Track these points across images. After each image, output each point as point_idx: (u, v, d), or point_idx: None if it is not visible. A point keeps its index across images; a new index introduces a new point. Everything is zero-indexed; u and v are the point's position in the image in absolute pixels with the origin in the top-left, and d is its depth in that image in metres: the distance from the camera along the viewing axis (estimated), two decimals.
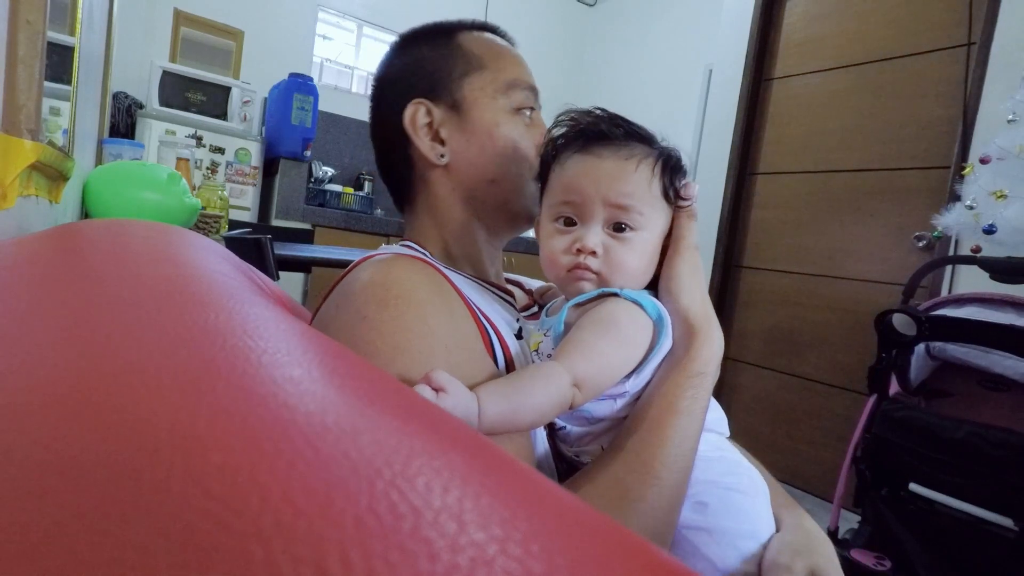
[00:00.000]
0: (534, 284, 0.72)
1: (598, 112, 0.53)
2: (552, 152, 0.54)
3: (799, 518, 0.51)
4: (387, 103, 0.62)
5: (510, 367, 0.51)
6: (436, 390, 0.38)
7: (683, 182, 0.52)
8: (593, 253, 0.49)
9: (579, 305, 0.50)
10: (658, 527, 0.43)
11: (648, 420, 0.46)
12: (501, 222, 0.62)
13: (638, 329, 0.48)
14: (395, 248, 0.59)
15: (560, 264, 0.51)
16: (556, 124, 0.54)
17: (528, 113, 0.61)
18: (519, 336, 0.55)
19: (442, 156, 0.59)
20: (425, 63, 0.60)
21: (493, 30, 0.65)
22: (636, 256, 0.49)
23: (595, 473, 0.45)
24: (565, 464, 0.53)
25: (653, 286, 0.53)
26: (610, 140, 0.51)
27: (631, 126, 0.52)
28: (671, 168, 0.51)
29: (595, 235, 0.49)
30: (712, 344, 0.49)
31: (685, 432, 0.46)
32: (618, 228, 0.49)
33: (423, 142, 0.59)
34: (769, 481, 0.56)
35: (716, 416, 0.54)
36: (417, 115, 0.59)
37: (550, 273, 0.53)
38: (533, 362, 0.52)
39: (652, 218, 0.50)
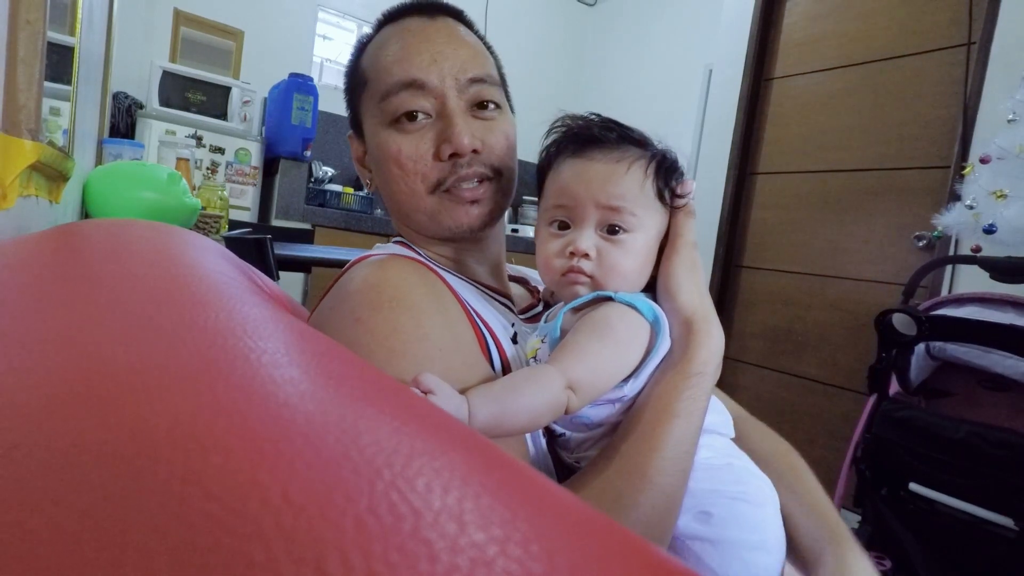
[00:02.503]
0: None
1: (591, 117, 0.53)
2: (547, 158, 0.53)
3: (841, 558, 0.48)
4: None
5: (506, 370, 0.51)
6: (424, 393, 0.38)
7: (680, 180, 0.52)
8: (586, 256, 0.48)
9: (575, 310, 0.50)
10: (653, 533, 0.42)
11: (643, 423, 0.45)
12: (436, 236, 0.58)
13: (633, 332, 0.47)
14: (390, 248, 0.58)
15: (554, 268, 0.50)
16: (551, 130, 0.53)
17: (420, 117, 0.53)
18: (515, 340, 0.55)
19: (368, 184, 0.61)
20: (346, 93, 0.62)
21: (397, 15, 0.58)
22: (630, 258, 0.49)
23: (589, 478, 0.44)
24: (566, 472, 0.52)
25: (652, 288, 0.53)
26: (602, 144, 0.50)
27: (624, 130, 0.52)
28: (665, 169, 0.51)
29: (588, 238, 0.49)
30: (711, 343, 0.48)
31: (682, 435, 0.45)
32: (611, 230, 0.49)
33: (361, 173, 0.62)
34: (815, 503, 0.53)
35: (721, 419, 0.53)
36: (353, 149, 0.62)
37: (545, 277, 0.53)
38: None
39: (646, 220, 0.49)
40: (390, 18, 0.58)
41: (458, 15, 0.60)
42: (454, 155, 0.53)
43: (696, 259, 0.51)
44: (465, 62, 0.55)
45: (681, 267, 0.50)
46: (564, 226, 0.51)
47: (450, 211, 0.55)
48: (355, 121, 0.61)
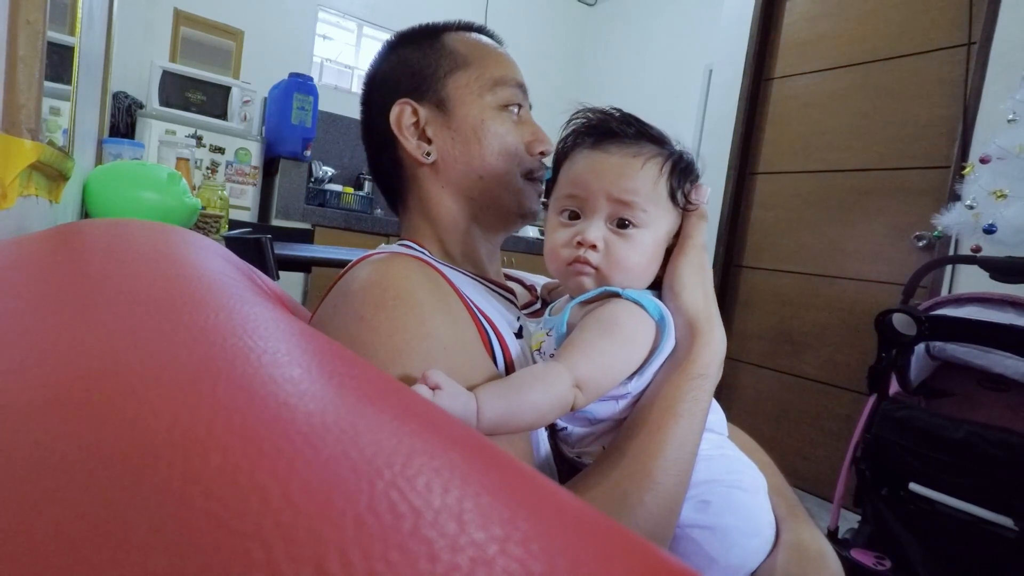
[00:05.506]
0: (536, 279, 0.71)
1: (612, 111, 0.53)
2: (563, 148, 0.54)
3: (797, 533, 0.51)
4: (375, 105, 0.63)
5: (510, 368, 0.51)
6: (432, 388, 0.38)
7: (694, 185, 0.52)
8: (593, 247, 0.49)
9: (582, 305, 0.50)
10: (656, 531, 0.43)
11: (648, 424, 0.45)
12: (493, 218, 0.62)
13: (640, 330, 0.48)
14: (393, 247, 0.59)
15: (561, 257, 0.51)
16: (570, 121, 0.54)
17: (516, 110, 0.61)
18: (519, 335, 0.55)
19: (428, 155, 0.60)
20: (410, 63, 0.61)
21: (480, 30, 0.65)
22: (637, 253, 0.49)
23: (594, 478, 0.45)
24: (567, 465, 0.52)
25: (658, 288, 0.53)
26: (620, 138, 0.51)
27: (643, 126, 0.52)
28: (681, 170, 0.51)
29: (597, 229, 0.49)
30: (713, 345, 0.49)
31: (685, 436, 0.45)
32: (621, 224, 0.49)
33: (409, 142, 0.60)
34: (777, 484, 0.56)
35: (716, 417, 0.53)
36: (403, 115, 0.60)
37: (551, 266, 0.53)
38: (534, 362, 0.52)
39: (656, 217, 0.50)
40: (471, 28, 0.65)
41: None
42: (543, 154, 0.62)
43: (704, 261, 0.52)
44: None
45: (688, 267, 0.51)
46: (574, 216, 0.51)
47: (531, 197, 0.62)
48: (425, 91, 0.60)
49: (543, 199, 0.61)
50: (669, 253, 0.52)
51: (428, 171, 0.61)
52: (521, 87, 0.62)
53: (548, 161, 0.61)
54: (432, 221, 0.61)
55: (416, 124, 0.60)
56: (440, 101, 0.60)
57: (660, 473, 0.43)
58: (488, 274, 0.62)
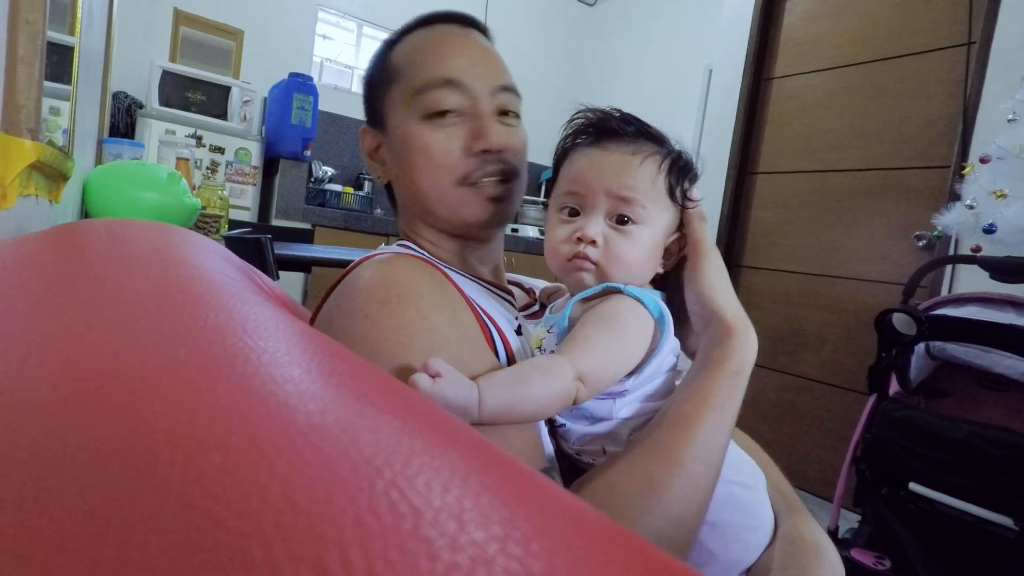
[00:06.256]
0: (536, 283, 0.72)
1: (611, 111, 0.54)
2: (563, 147, 0.55)
3: (795, 526, 0.51)
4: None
5: (511, 361, 0.51)
6: (433, 376, 0.39)
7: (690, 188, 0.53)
8: (593, 243, 0.49)
9: (583, 301, 0.51)
10: (684, 517, 0.42)
11: (681, 415, 0.46)
12: (449, 231, 0.60)
13: (640, 326, 0.48)
14: (394, 248, 0.59)
15: (561, 253, 0.51)
16: (570, 121, 0.55)
17: (451, 113, 0.55)
18: (519, 332, 0.56)
19: (380, 177, 0.63)
20: (368, 86, 0.63)
21: (439, 19, 0.61)
22: (636, 249, 0.50)
23: (622, 463, 0.45)
24: (566, 462, 0.53)
25: (661, 287, 0.54)
26: (620, 136, 0.51)
27: (643, 125, 0.53)
28: (679, 168, 0.51)
29: (596, 225, 0.50)
30: (749, 346, 0.49)
31: (716, 429, 0.45)
32: (620, 220, 0.50)
33: (372, 166, 0.63)
34: (775, 480, 0.57)
35: None
36: (365, 142, 0.63)
37: (551, 262, 0.54)
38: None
39: (655, 214, 0.50)
40: (424, 22, 0.61)
41: (484, 31, 0.63)
42: (485, 151, 0.55)
43: (721, 262, 0.53)
44: (497, 71, 0.59)
45: (712, 270, 0.51)
46: (574, 213, 0.52)
47: (471, 205, 0.57)
48: (374, 114, 0.62)
49: (543, 199, 0.61)
50: (668, 251, 0.53)
51: (396, 188, 0.63)
52: (450, 83, 0.55)
53: (511, 157, 0.57)
54: (414, 230, 0.62)
55: (377, 148, 0.62)
56: (381, 123, 0.61)
57: (689, 460, 0.43)
58: (482, 276, 0.62)
